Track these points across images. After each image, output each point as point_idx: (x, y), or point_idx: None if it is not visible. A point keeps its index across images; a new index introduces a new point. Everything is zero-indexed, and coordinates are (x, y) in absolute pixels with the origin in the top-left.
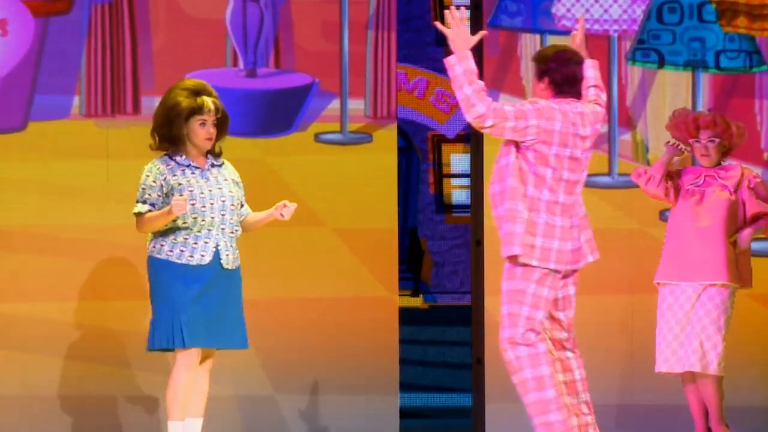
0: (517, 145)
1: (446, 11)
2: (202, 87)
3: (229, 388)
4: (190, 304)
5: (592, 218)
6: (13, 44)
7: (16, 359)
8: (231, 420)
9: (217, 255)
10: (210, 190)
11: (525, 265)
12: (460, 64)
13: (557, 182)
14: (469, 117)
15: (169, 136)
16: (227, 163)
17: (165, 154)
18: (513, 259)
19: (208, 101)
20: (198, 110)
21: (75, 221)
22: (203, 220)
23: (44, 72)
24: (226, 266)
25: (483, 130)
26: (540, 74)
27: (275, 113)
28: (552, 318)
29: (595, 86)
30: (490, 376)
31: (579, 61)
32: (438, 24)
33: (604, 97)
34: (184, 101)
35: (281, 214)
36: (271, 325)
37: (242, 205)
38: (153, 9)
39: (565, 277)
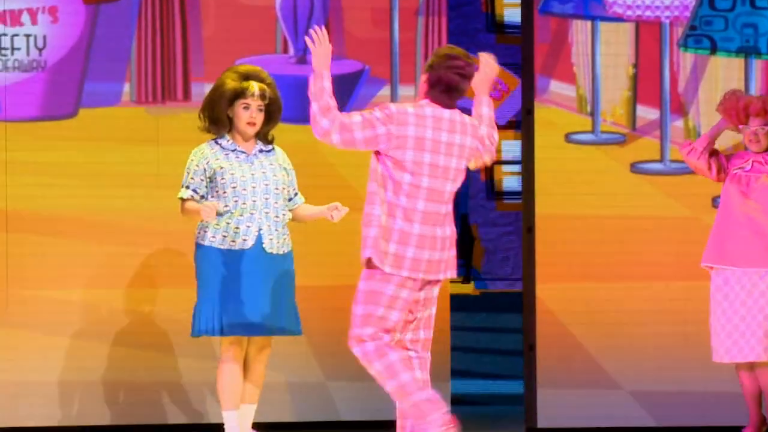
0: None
1: (311, 29)
2: (254, 72)
3: (280, 375)
4: (232, 291)
5: (645, 205)
6: (64, 31)
7: (66, 345)
8: (282, 406)
9: (259, 239)
10: (253, 174)
11: (382, 269)
12: (314, 83)
13: (416, 189)
14: (316, 133)
15: (213, 117)
16: (278, 150)
17: (213, 139)
18: (369, 262)
19: (254, 86)
20: (241, 93)
21: (126, 208)
22: (244, 204)
23: (95, 59)
24: (269, 250)
25: (335, 146)
26: (425, 68)
27: None
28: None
29: (488, 126)
30: (541, 362)
31: (465, 74)
32: (308, 40)
33: (496, 138)
34: (230, 83)
35: (331, 216)
36: (322, 311)
37: (296, 194)
38: None
39: (429, 282)
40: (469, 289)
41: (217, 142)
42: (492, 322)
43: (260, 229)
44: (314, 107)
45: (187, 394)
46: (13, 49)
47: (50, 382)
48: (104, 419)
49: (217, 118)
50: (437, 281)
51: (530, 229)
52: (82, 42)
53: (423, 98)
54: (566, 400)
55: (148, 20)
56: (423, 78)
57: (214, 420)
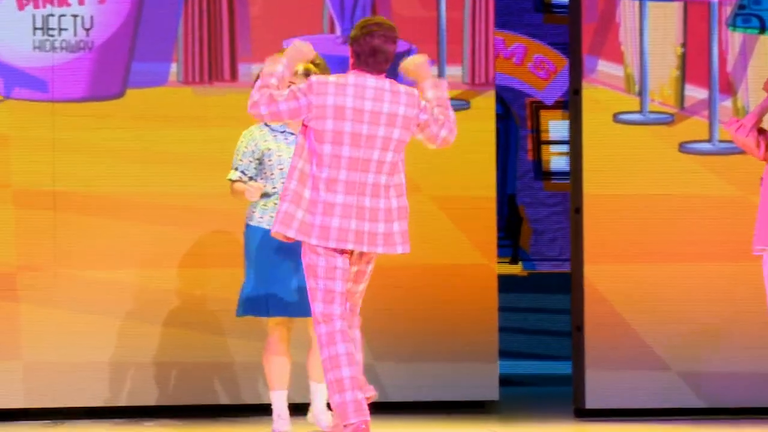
0: (306, 126)
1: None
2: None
3: None
4: (277, 272)
5: (694, 185)
6: (111, 12)
7: (116, 325)
8: None
9: None
10: (290, 153)
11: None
12: (270, 65)
13: (337, 159)
14: (249, 109)
15: None
16: None
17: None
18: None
19: (300, 66)
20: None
21: (173, 188)
22: None
23: (142, 39)
24: None
25: (263, 119)
26: (349, 43)
27: None
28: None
29: (438, 106)
30: (589, 343)
31: (386, 36)
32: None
33: (451, 115)
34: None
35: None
36: (370, 293)
37: None
38: None
39: (363, 256)
40: (516, 269)
41: (266, 124)
42: (540, 303)
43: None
44: (257, 84)
45: (237, 375)
46: (60, 29)
47: (99, 362)
48: (154, 399)
49: None
50: (372, 257)
51: (578, 210)
52: (129, 22)
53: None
54: (614, 381)
55: (195, 0)
56: (350, 53)
57: (264, 400)
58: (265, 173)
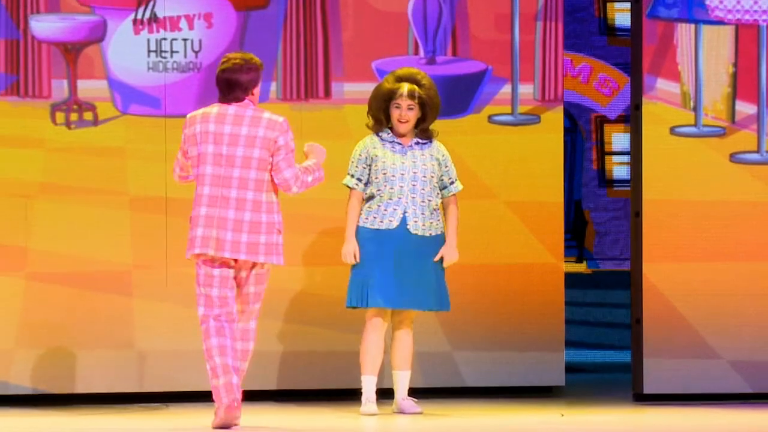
0: None
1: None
2: (409, 74)
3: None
4: (377, 266)
5: (744, 192)
6: (218, 36)
7: None
8: (413, 373)
9: (404, 221)
10: (403, 163)
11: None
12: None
13: (203, 176)
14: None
15: (372, 114)
16: (435, 143)
17: (376, 132)
18: None
19: (404, 87)
20: (393, 94)
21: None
22: (392, 189)
23: None
24: (414, 231)
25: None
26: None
27: (453, 97)
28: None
29: (307, 168)
30: (648, 334)
31: (234, 68)
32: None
33: (308, 179)
34: (385, 85)
35: (441, 255)
36: (449, 288)
37: (451, 183)
38: (342, 3)
39: (243, 264)
40: (581, 268)
41: (378, 135)
42: (602, 298)
43: (405, 212)
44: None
45: (335, 362)
46: (172, 52)
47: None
48: (259, 385)
49: (374, 115)
50: (254, 264)
51: (638, 214)
52: (234, 45)
53: None
54: (670, 369)
55: (293, 25)
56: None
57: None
58: (371, 177)
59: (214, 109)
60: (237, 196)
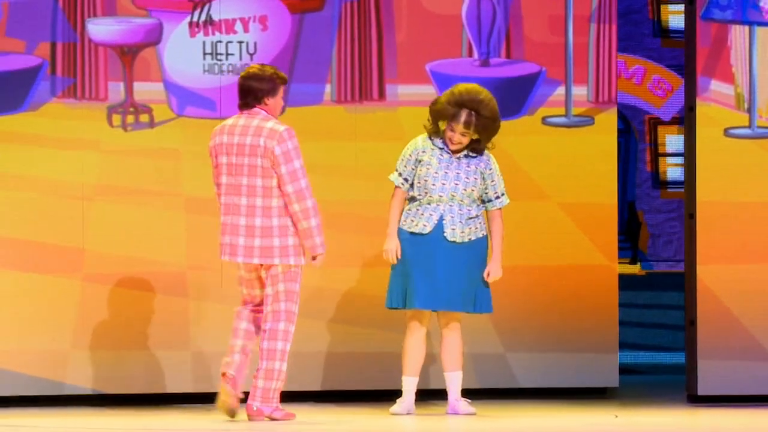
0: None
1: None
2: (470, 99)
3: (465, 346)
4: (414, 268)
5: None
6: (273, 38)
7: None
8: (467, 374)
9: (440, 227)
10: (446, 172)
11: None
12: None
13: (220, 186)
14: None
15: (433, 121)
16: (486, 156)
17: (430, 135)
18: None
19: (462, 116)
20: (450, 118)
21: (328, 196)
22: (431, 196)
23: (300, 63)
24: (450, 239)
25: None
26: None
27: (507, 99)
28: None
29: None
30: (702, 336)
31: (249, 77)
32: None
33: (306, 204)
34: (445, 107)
35: (488, 273)
36: (502, 289)
37: (496, 197)
38: (396, 5)
39: (260, 266)
40: (635, 269)
41: (432, 138)
42: (656, 300)
43: (442, 219)
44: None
45: (378, 363)
46: (227, 54)
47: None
48: (306, 385)
49: (432, 128)
50: (269, 265)
51: (692, 215)
52: (289, 47)
53: None
54: (724, 370)
55: (347, 28)
56: None
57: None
58: (415, 179)
59: (231, 120)
60: (247, 204)
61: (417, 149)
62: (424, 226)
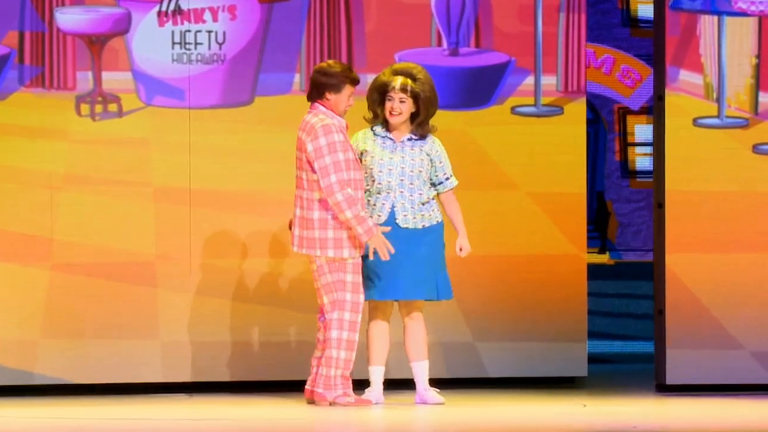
0: None
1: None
2: (405, 68)
3: (433, 335)
4: (373, 260)
5: (767, 182)
6: (241, 27)
7: (242, 308)
8: (435, 364)
9: (392, 215)
10: (391, 158)
11: None
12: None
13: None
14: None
15: (369, 106)
16: (430, 139)
17: (371, 126)
18: None
19: (397, 80)
20: (386, 86)
21: (294, 186)
22: (380, 184)
23: (269, 52)
24: (403, 225)
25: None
26: None
27: (476, 88)
28: None
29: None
30: (670, 325)
31: (317, 70)
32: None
33: (336, 198)
34: (381, 78)
35: (459, 249)
36: (471, 279)
37: (446, 178)
38: None
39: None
40: (604, 259)
41: (371, 129)
42: (625, 289)
43: (393, 207)
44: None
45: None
46: (196, 44)
47: (226, 341)
48: (275, 375)
49: (371, 108)
50: (312, 258)
51: (661, 205)
52: (258, 37)
53: None
54: (693, 359)
55: (316, 17)
56: None
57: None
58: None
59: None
60: (298, 195)
61: (357, 141)
62: (378, 216)
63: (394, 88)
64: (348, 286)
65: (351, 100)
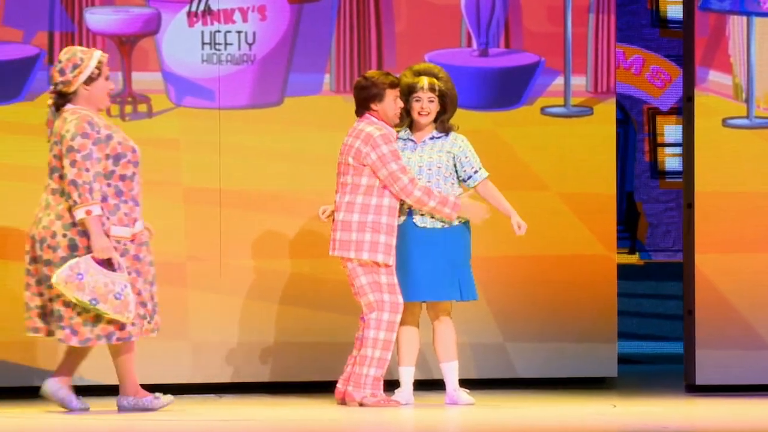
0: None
1: None
2: (427, 68)
3: (463, 336)
4: (398, 261)
5: None
6: (271, 28)
7: (272, 309)
8: (465, 364)
9: (410, 215)
10: (409, 158)
11: None
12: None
13: None
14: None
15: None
16: (452, 136)
17: (400, 130)
18: None
19: (424, 80)
20: (413, 88)
21: (326, 186)
22: None
23: (298, 53)
24: (421, 225)
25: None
26: None
27: (505, 89)
28: None
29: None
30: (700, 325)
31: (354, 86)
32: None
33: (417, 195)
34: (405, 80)
35: (518, 227)
36: (501, 279)
37: (475, 172)
38: None
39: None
40: (634, 259)
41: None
42: (655, 289)
43: (410, 207)
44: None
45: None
46: (226, 44)
47: (256, 341)
48: (305, 376)
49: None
50: (347, 260)
51: (690, 205)
52: (288, 37)
53: None
54: (722, 360)
55: (346, 17)
56: None
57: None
58: None
59: None
60: (340, 200)
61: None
62: (400, 217)
63: (422, 88)
64: (384, 287)
65: (399, 102)
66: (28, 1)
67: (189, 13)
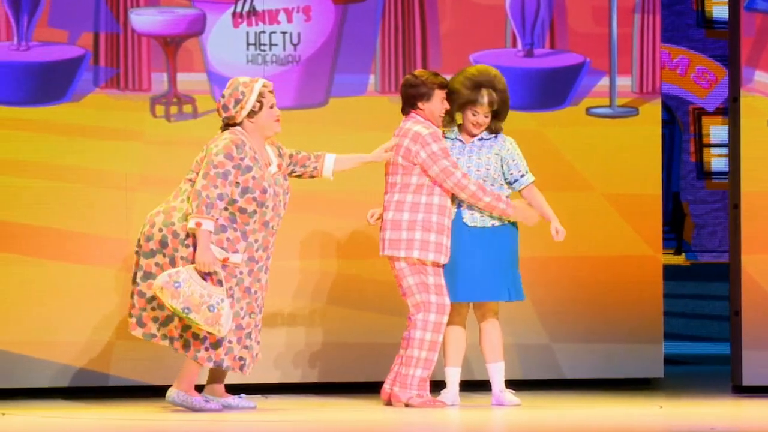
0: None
1: None
2: (486, 79)
3: (509, 337)
4: (457, 262)
5: None
6: (316, 29)
7: (317, 309)
8: (511, 365)
9: (459, 214)
10: (458, 159)
11: None
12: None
13: None
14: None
15: (446, 117)
16: (501, 138)
17: (447, 125)
18: None
19: (485, 96)
20: (473, 102)
21: (372, 186)
22: None
23: (343, 53)
24: (471, 224)
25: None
26: None
27: (550, 89)
28: None
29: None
30: (747, 326)
31: (405, 83)
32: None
33: (470, 190)
34: (464, 92)
35: (556, 233)
36: (547, 280)
37: (522, 176)
38: None
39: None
40: (680, 260)
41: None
42: (701, 290)
43: (460, 206)
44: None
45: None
46: (271, 45)
47: (296, 342)
48: (350, 376)
49: (446, 119)
50: (396, 259)
51: (736, 206)
52: (332, 38)
53: None
54: None
55: (391, 18)
56: None
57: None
58: None
59: None
60: (389, 199)
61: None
62: (450, 216)
63: (482, 105)
64: (431, 288)
65: (445, 103)
66: (73, 2)
67: (234, 14)
